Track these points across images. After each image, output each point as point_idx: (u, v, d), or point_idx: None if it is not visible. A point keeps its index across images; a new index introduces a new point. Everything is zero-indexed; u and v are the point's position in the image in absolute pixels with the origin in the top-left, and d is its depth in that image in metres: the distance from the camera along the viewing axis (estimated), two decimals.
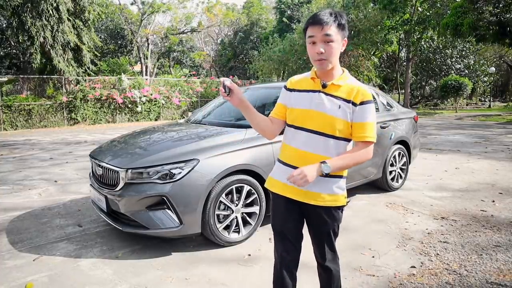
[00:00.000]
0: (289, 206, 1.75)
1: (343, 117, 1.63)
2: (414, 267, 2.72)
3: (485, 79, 31.71)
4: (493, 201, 4.30)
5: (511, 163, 6.61)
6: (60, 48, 15.69)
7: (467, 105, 32.73)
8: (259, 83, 13.04)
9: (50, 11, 14.74)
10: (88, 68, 17.36)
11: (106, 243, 3.20)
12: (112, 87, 17.10)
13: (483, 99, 37.02)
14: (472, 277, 2.56)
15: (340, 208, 1.74)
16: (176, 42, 33.94)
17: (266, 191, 3.20)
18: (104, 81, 17.22)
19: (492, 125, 14.87)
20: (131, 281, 2.56)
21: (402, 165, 4.90)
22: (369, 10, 20.47)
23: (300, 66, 20.80)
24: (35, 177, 5.74)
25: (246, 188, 3.15)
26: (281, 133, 1.84)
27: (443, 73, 28.85)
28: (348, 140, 1.70)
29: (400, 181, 4.90)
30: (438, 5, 22.11)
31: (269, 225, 1.92)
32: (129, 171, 2.92)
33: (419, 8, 22.83)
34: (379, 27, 20.51)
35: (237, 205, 3.13)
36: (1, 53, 23.72)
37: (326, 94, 1.66)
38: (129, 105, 17.11)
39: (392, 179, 4.76)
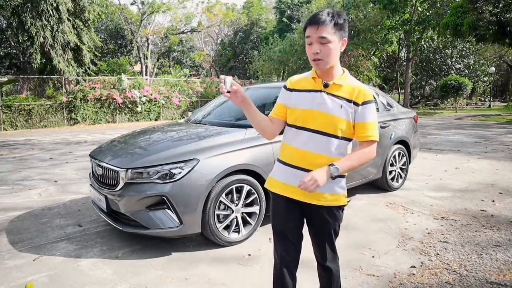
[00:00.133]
0: (289, 206, 1.75)
1: (345, 116, 1.64)
2: (414, 267, 2.72)
3: (485, 79, 31.72)
4: (493, 201, 4.30)
5: (511, 163, 6.61)
6: (60, 48, 15.68)
7: (467, 105, 32.72)
8: (259, 83, 13.04)
9: (50, 11, 14.73)
10: (88, 68, 17.35)
11: (106, 243, 3.20)
12: (112, 87, 17.10)
13: (483, 99, 37.02)
14: (472, 277, 2.56)
15: (341, 207, 1.75)
16: (176, 42, 33.94)
17: (266, 191, 3.20)
18: (104, 81, 17.23)
19: (492, 125, 14.87)
20: (131, 281, 2.56)
21: (402, 165, 4.91)
22: (369, 10, 20.47)
23: (300, 66, 20.79)
24: (35, 177, 5.74)
25: (246, 188, 3.16)
26: (281, 133, 1.85)
27: (443, 73, 28.86)
28: (349, 140, 1.71)
29: (400, 181, 4.90)
30: (438, 5, 22.12)
31: (269, 225, 1.92)
32: (129, 171, 2.92)
33: (419, 8, 22.83)
34: (379, 27, 20.51)
35: (237, 205, 3.13)
36: (1, 53, 23.71)
37: (328, 93, 1.66)
38: (129, 105, 17.11)
39: (392, 179, 4.76)
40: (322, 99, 1.66)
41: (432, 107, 30.71)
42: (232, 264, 2.80)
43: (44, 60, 16.57)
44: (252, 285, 2.51)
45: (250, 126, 3.21)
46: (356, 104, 1.65)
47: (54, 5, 14.79)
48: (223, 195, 3.02)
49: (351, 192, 4.58)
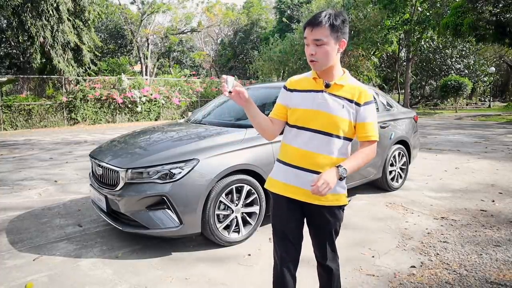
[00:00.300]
0: (290, 206, 1.75)
1: (347, 117, 1.65)
2: (414, 267, 2.72)
3: (485, 79, 31.72)
4: (493, 201, 4.30)
5: (511, 163, 6.61)
6: (60, 48, 15.69)
7: (467, 105, 32.72)
8: (259, 83, 13.04)
9: (50, 11, 14.74)
10: (88, 68, 17.36)
11: (106, 243, 3.20)
12: (112, 87, 17.09)
13: (483, 99, 37.03)
14: (472, 276, 2.56)
15: (342, 207, 1.76)
16: (176, 42, 33.94)
17: (266, 191, 3.20)
18: (104, 81, 17.22)
19: (492, 125, 14.87)
20: (131, 281, 2.56)
21: (402, 165, 4.91)
22: (369, 10, 20.46)
23: (300, 66, 20.78)
24: (35, 177, 5.74)
25: (246, 188, 3.16)
26: (281, 133, 1.85)
27: (443, 73, 28.86)
28: (350, 140, 1.72)
29: (400, 181, 4.90)
30: (438, 5, 22.12)
31: (269, 225, 1.92)
32: (129, 171, 2.92)
33: (419, 8, 22.83)
34: (379, 27, 20.49)
35: (237, 205, 3.13)
36: (1, 53, 23.68)
37: (329, 94, 1.67)
38: (129, 105, 17.10)
39: (392, 179, 4.76)
40: (323, 99, 1.67)
41: (432, 107, 30.71)
42: (232, 264, 2.80)
43: (44, 60, 16.58)
44: (252, 285, 2.51)
45: (250, 126, 3.21)
46: (358, 104, 1.66)
47: (54, 5, 14.80)
48: (223, 195, 3.02)
49: (351, 192, 4.58)
